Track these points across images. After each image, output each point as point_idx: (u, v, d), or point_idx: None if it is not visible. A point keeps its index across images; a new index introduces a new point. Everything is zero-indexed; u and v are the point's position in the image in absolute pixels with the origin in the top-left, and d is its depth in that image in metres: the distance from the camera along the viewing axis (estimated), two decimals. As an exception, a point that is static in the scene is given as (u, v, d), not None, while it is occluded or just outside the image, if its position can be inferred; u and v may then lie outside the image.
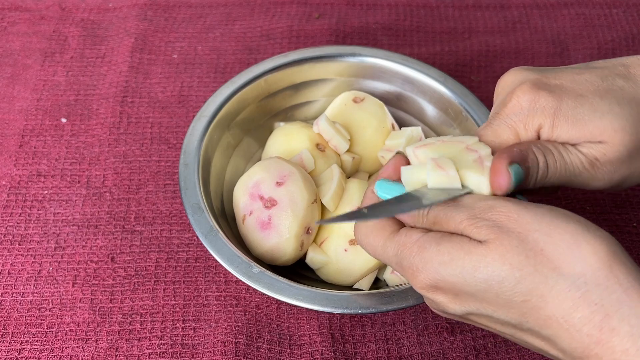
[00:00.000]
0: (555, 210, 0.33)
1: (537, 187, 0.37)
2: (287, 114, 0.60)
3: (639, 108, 0.37)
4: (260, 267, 0.45)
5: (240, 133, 0.57)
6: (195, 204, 0.48)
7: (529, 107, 0.38)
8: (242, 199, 0.48)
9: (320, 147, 0.52)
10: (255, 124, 0.58)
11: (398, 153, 0.40)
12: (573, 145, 0.37)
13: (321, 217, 0.49)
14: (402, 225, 0.37)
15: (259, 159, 0.55)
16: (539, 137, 0.38)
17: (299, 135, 0.52)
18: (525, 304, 0.32)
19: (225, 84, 0.56)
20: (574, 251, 0.31)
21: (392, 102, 0.59)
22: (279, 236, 0.46)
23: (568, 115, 0.37)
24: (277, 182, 0.47)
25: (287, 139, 0.52)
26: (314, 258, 0.48)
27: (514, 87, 0.39)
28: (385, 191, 0.38)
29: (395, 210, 0.37)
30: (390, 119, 0.55)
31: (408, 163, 0.39)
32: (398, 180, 0.39)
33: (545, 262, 0.31)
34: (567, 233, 0.31)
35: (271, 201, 0.47)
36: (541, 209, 0.33)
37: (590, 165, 0.37)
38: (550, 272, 0.31)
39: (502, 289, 0.32)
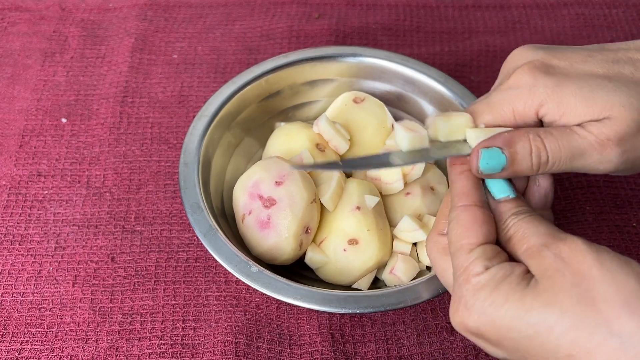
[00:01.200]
0: (618, 259, 0.31)
1: (540, 173, 0.36)
2: (288, 114, 0.60)
3: None
4: (259, 266, 0.45)
5: (241, 133, 0.57)
6: (194, 203, 0.48)
7: (529, 83, 0.37)
8: (242, 198, 0.48)
9: (320, 147, 0.52)
10: (255, 124, 0.58)
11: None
12: (579, 125, 0.36)
13: (320, 217, 0.49)
14: (493, 237, 0.35)
15: (260, 159, 0.55)
16: (541, 123, 0.37)
17: (299, 135, 0.52)
18: (570, 359, 0.30)
19: (225, 84, 0.56)
20: (628, 309, 0.29)
21: (393, 102, 0.59)
22: (278, 235, 0.46)
23: (571, 91, 0.36)
24: (276, 182, 0.47)
25: (287, 139, 0.52)
26: (313, 258, 0.48)
27: (516, 68, 0.38)
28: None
29: (364, 164, 0.43)
30: (390, 119, 0.55)
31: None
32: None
33: (595, 313, 0.29)
34: (625, 289, 0.30)
35: (270, 201, 0.47)
36: (607, 254, 0.31)
37: (601, 145, 0.35)
38: (599, 325, 0.29)
39: (549, 337, 0.30)
